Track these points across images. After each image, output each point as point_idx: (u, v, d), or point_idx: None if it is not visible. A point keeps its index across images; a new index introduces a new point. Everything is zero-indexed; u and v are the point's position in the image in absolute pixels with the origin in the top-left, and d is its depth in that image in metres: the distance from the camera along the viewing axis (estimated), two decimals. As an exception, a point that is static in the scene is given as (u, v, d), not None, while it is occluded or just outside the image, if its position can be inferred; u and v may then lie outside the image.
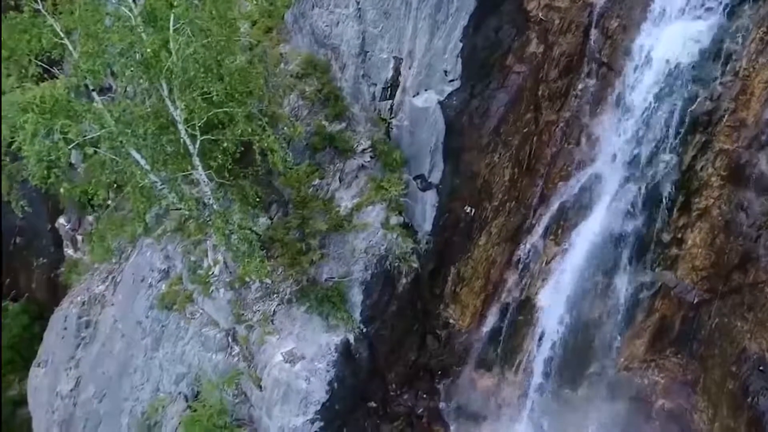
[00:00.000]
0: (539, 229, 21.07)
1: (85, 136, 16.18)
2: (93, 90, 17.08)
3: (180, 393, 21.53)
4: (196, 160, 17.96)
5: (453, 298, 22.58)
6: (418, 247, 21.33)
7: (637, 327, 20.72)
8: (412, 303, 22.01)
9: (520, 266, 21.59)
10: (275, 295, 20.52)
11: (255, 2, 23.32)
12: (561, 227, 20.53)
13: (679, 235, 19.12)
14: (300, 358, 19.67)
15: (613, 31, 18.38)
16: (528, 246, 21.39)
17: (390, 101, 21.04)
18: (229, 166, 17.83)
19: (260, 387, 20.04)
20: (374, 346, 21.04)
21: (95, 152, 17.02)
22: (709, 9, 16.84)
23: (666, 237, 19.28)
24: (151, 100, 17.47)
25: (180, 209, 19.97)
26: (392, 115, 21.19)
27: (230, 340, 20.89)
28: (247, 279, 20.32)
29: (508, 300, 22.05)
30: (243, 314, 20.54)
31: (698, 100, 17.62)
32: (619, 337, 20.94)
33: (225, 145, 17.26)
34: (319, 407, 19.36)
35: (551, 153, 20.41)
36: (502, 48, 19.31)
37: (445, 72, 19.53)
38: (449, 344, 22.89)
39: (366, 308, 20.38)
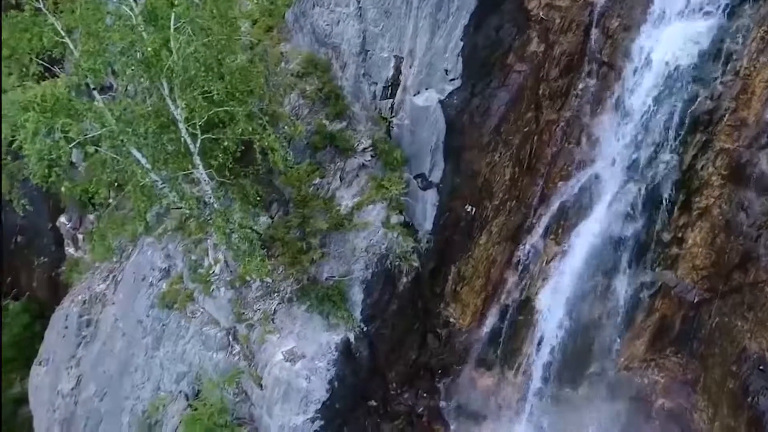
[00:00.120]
0: (540, 229, 21.07)
1: (86, 135, 16.20)
2: (94, 89, 17.11)
3: (181, 392, 21.55)
4: (197, 159, 17.97)
5: (453, 297, 22.59)
6: (418, 246, 21.35)
7: (637, 327, 20.71)
8: (413, 302, 22.02)
9: (521, 266, 21.59)
10: (276, 294, 20.54)
11: (256, 1, 23.33)
12: (561, 227, 20.52)
13: (680, 235, 19.11)
14: (300, 356, 19.69)
15: (614, 31, 18.38)
16: (528, 245, 21.39)
17: (391, 100, 21.05)
18: (230, 165, 17.83)
19: (261, 386, 20.06)
20: (375, 345, 21.06)
21: (96, 151, 17.04)
22: (708, 13, 16.83)
23: (666, 236, 19.28)
24: (152, 99, 17.48)
25: (181, 208, 20.00)
26: (393, 114, 21.20)
27: (231, 339, 20.91)
28: (248, 278, 20.33)
29: (509, 299, 22.04)
30: (244, 313, 20.56)
31: (699, 99, 17.61)
32: (619, 337, 20.92)
33: (226, 144, 17.27)
34: (319, 406, 19.38)
35: (552, 152, 20.40)
36: (502, 47, 19.31)
37: (446, 71, 19.53)
38: (449, 343, 22.89)
39: (366, 307, 20.40)
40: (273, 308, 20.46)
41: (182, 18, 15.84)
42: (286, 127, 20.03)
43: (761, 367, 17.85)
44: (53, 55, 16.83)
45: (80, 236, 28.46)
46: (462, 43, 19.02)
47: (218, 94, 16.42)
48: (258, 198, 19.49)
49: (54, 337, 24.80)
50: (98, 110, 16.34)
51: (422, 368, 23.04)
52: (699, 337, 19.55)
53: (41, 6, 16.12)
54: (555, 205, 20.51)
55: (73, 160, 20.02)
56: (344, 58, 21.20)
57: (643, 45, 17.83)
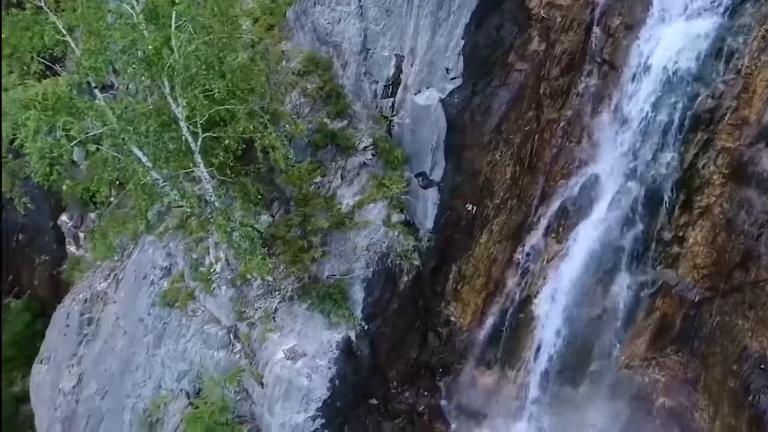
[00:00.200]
0: (540, 228, 21.08)
1: (87, 134, 16.22)
2: (95, 87, 17.12)
3: (182, 390, 21.57)
4: (198, 158, 17.98)
5: (454, 295, 22.60)
6: (419, 245, 21.36)
7: (637, 325, 20.71)
8: (414, 300, 22.03)
9: (521, 264, 21.59)
10: (277, 293, 20.55)
11: (257, -1, 23.37)
12: (562, 225, 20.52)
13: (681, 234, 19.10)
14: (301, 355, 19.70)
15: (615, 29, 18.38)
16: (529, 244, 21.39)
17: (391, 99, 21.05)
18: (231, 164, 17.84)
19: (262, 384, 20.07)
20: (375, 344, 21.07)
21: (97, 149, 17.07)
22: (709, 12, 16.83)
23: (667, 235, 19.27)
24: (153, 98, 17.48)
25: (182, 206, 20.01)
26: (394, 113, 21.21)
27: (232, 338, 20.92)
28: (249, 276, 20.35)
29: (509, 298, 22.04)
30: (244, 311, 20.57)
31: (700, 98, 17.60)
32: (619, 336, 20.91)
33: (227, 142, 17.28)
34: (320, 404, 19.39)
35: (552, 151, 20.41)
36: (503, 46, 19.31)
37: (447, 70, 19.53)
38: (450, 342, 22.90)
39: (367, 305, 20.41)
40: (274, 306, 20.47)
41: (183, 16, 15.84)
42: (287, 125, 20.04)
43: (762, 366, 17.85)
44: (54, 54, 16.86)
45: (81, 235, 28.49)
46: (463, 42, 19.02)
47: (219, 92, 16.42)
48: (259, 196, 19.51)
49: (55, 336, 24.83)
50: (99, 109, 16.35)
51: (423, 367, 23.06)
52: (700, 335, 19.54)
53: (42, 4, 16.14)
54: (556, 204, 20.52)
55: (75, 159, 20.06)
56: (345, 56, 21.20)
57: (643, 49, 17.86)
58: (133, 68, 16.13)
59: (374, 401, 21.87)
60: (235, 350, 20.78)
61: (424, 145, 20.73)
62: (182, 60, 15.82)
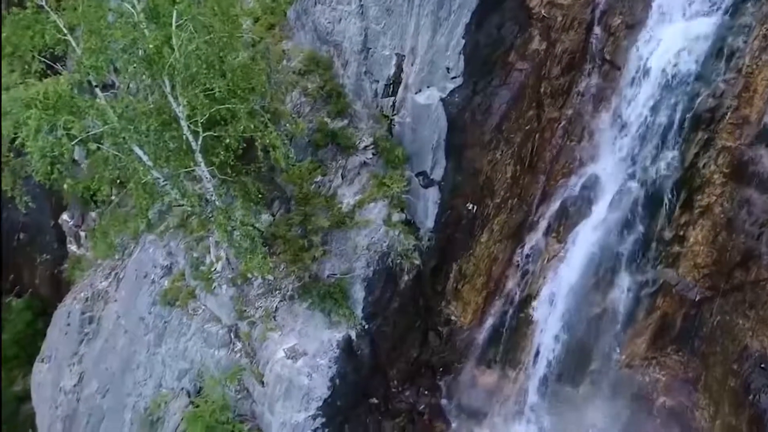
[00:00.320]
0: (541, 227, 21.07)
1: (88, 132, 16.22)
2: (96, 86, 17.14)
3: (182, 389, 21.60)
4: (199, 157, 17.99)
5: (455, 295, 22.60)
6: (420, 244, 21.36)
7: (638, 325, 20.67)
8: (414, 300, 22.03)
9: (522, 264, 21.59)
10: (277, 292, 20.57)
11: (258, -2, 23.37)
12: (563, 224, 20.52)
13: (681, 233, 19.07)
14: (302, 354, 19.72)
15: (616, 29, 18.38)
16: (530, 243, 21.39)
17: (392, 98, 21.06)
18: (232, 163, 17.84)
19: (262, 383, 20.09)
20: (376, 343, 21.08)
21: (98, 148, 17.08)
22: (710, 11, 16.83)
23: (668, 234, 19.24)
24: (154, 97, 17.49)
25: (182, 205, 20.03)
26: (394, 112, 21.21)
27: (232, 337, 20.95)
28: (250, 275, 20.37)
29: (510, 297, 22.03)
30: (245, 310, 20.60)
31: (700, 98, 17.60)
32: (620, 335, 20.89)
33: (227, 141, 17.29)
34: (320, 403, 19.41)
35: (553, 150, 20.40)
36: (504, 45, 19.31)
37: (448, 69, 19.53)
38: (451, 341, 22.90)
39: (368, 305, 20.42)
40: (275, 306, 20.49)
41: (184, 15, 15.86)
42: (287, 124, 20.05)
43: (762, 366, 17.84)
44: (55, 53, 16.88)
45: (82, 233, 28.52)
46: (464, 41, 19.03)
47: (220, 91, 16.43)
48: (260, 195, 19.51)
49: (56, 334, 24.87)
50: (100, 107, 16.36)
51: (423, 366, 23.06)
52: (700, 335, 19.51)
53: (43, 3, 16.16)
54: (556, 203, 20.52)
55: (76, 158, 20.09)
56: (346, 55, 21.21)
57: (642, 52, 17.88)
58: (134, 67, 16.14)
59: (375, 400, 21.89)
60: (235, 349, 20.81)
61: (425, 144, 20.73)
62: (183, 59, 15.83)
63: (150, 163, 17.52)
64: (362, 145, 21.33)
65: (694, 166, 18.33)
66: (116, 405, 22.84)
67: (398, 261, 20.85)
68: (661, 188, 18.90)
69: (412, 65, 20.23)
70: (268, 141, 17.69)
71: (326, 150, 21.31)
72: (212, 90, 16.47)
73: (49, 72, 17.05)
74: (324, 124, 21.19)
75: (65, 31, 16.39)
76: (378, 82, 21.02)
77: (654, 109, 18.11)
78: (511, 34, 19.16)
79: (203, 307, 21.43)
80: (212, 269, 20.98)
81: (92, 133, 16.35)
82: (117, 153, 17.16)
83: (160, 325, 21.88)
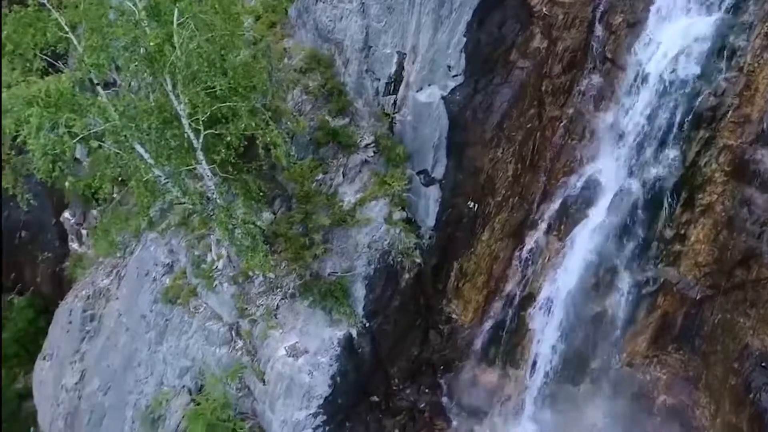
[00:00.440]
0: (542, 225, 21.06)
1: (89, 130, 16.22)
2: (97, 84, 17.12)
3: (184, 386, 21.64)
4: (200, 155, 18.00)
5: (455, 293, 22.60)
6: (420, 243, 21.37)
7: (639, 323, 20.67)
8: (415, 298, 22.05)
9: (523, 262, 21.58)
10: (278, 290, 20.60)
11: (259, -3, 23.36)
12: (564, 223, 20.51)
13: (682, 231, 19.05)
14: (303, 352, 19.75)
15: (617, 27, 18.37)
16: (531, 242, 21.38)
17: (393, 96, 21.05)
18: (233, 161, 17.85)
19: (263, 381, 20.13)
20: (377, 341, 21.10)
21: (100, 146, 17.07)
22: (711, 9, 16.83)
23: (669, 233, 19.22)
24: (155, 95, 17.51)
25: (184, 203, 20.05)
26: (395, 111, 21.21)
27: (234, 334, 20.98)
28: (251, 273, 20.40)
29: (511, 296, 22.03)
30: (246, 308, 20.63)
31: (701, 96, 17.59)
32: (621, 334, 20.89)
33: (228, 139, 17.30)
34: (321, 401, 19.45)
35: (554, 149, 20.39)
36: (505, 43, 19.30)
37: (449, 67, 19.53)
38: (452, 339, 22.91)
39: (369, 303, 20.44)
40: (276, 304, 20.52)
41: (185, 13, 15.86)
42: (288, 122, 20.06)
43: (763, 364, 17.83)
44: (57, 51, 16.86)
45: (84, 231, 28.57)
46: (465, 39, 19.02)
47: (221, 89, 16.42)
48: (261, 194, 19.53)
49: (58, 332, 24.93)
50: (102, 105, 16.36)
51: (424, 364, 23.07)
52: (701, 333, 19.50)
53: (45, 1, 16.16)
54: (558, 202, 20.50)
55: (77, 156, 20.12)
56: (347, 54, 21.20)
57: (641, 57, 17.93)
58: (135, 65, 16.15)
59: (375, 398, 21.92)
60: (236, 347, 20.84)
61: (426, 142, 20.73)
62: (184, 57, 15.83)
63: (151, 161, 17.53)
64: (363, 143, 21.34)
65: (695, 164, 18.32)
66: (118, 402, 22.88)
67: (399, 259, 20.87)
68: (662, 187, 18.89)
69: (413, 63, 20.23)
70: (269, 139, 17.70)
71: (327, 148, 21.32)
72: (213, 88, 16.47)
73: (50, 70, 17.06)
74: (325, 122, 21.20)
75: (67, 29, 16.38)
76: (379, 80, 21.02)
77: (651, 117, 18.24)
78: (512, 32, 19.15)
79: (204, 305, 21.47)
80: (213, 267, 21.01)
81: (94, 131, 16.34)
82: (118, 151, 17.17)
83: (161, 323, 21.92)
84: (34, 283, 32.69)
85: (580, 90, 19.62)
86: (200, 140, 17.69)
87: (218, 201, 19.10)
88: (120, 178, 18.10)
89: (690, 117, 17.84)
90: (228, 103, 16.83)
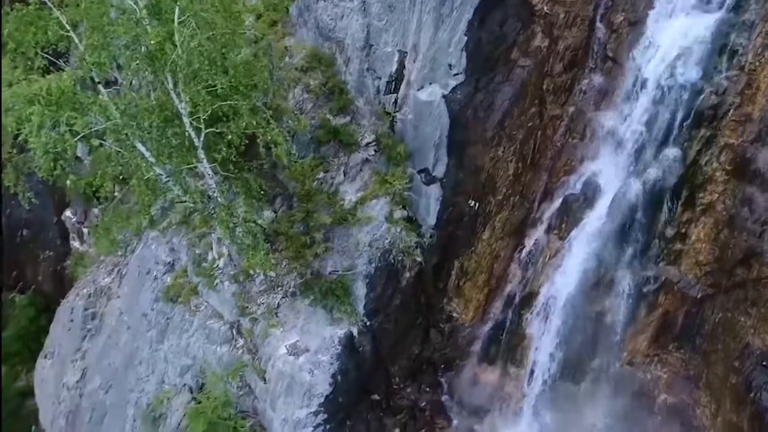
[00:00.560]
0: (543, 224, 21.07)
1: (90, 129, 16.24)
2: (99, 82, 17.16)
3: (185, 385, 21.67)
4: (201, 153, 18.02)
5: (456, 292, 22.61)
6: (421, 241, 21.39)
7: (640, 322, 20.66)
8: (416, 297, 22.06)
9: (524, 261, 21.58)
10: (279, 288, 20.61)
11: (260, -5, 23.36)
12: (565, 222, 20.50)
13: (683, 230, 19.05)
14: (304, 350, 19.77)
15: (618, 25, 18.37)
16: (532, 241, 21.38)
17: (394, 95, 21.05)
18: (234, 159, 17.87)
19: (264, 379, 20.15)
20: (378, 340, 21.11)
21: (101, 145, 17.10)
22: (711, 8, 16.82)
23: (670, 232, 19.23)
24: (156, 93, 17.52)
25: (185, 202, 20.07)
26: (396, 109, 21.21)
27: (235, 333, 21.00)
28: (252, 272, 20.41)
29: (512, 295, 22.03)
30: (247, 307, 20.65)
31: (702, 95, 17.58)
32: (621, 333, 20.89)
33: (229, 137, 17.31)
34: (322, 400, 19.47)
35: (555, 147, 20.39)
36: (506, 42, 19.30)
37: (450, 66, 19.53)
38: (452, 338, 22.92)
39: (370, 301, 20.46)
40: (277, 302, 20.53)
41: (186, 12, 15.87)
42: (289, 121, 20.07)
43: (764, 363, 17.82)
44: (58, 49, 16.89)
45: (85, 230, 28.58)
46: (466, 38, 19.03)
47: (222, 88, 16.45)
48: (262, 192, 19.54)
49: (59, 331, 24.96)
50: (103, 104, 16.38)
51: (425, 363, 23.09)
52: (702, 332, 19.50)
53: (46, 0, 16.17)
54: (559, 200, 20.51)
55: (78, 154, 20.12)
56: (348, 52, 21.20)
57: (640, 62, 17.95)
58: (137, 64, 16.18)
59: (376, 397, 21.93)
60: (237, 345, 20.86)
61: (427, 141, 20.73)
62: (185, 56, 15.86)
63: (152, 160, 17.55)
64: (364, 141, 21.34)
65: (696, 163, 18.32)
66: (119, 401, 22.92)
67: (400, 258, 20.88)
68: (663, 186, 18.88)
69: (414, 62, 20.22)
70: (270, 138, 17.71)
71: (328, 147, 21.33)
72: (214, 86, 16.49)
73: (51, 68, 17.09)
74: (326, 120, 21.21)
75: (68, 28, 16.42)
76: (380, 78, 21.02)
77: (649, 124, 18.30)
78: (513, 31, 19.15)
79: (205, 303, 21.49)
80: (214, 266, 21.02)
81: (95, 129, 16.36)
82: (119, 149, 17.19)
83: (162, 322, 21.95)
84: (35, 282, 32.72)
85: (581, 89, 19.62)
86: (201, 139, 17.70)
87: (219, 199, 19.12)
88: (121, 177, 18.14)
89: (691, 116, 17.83)
90: (229, 102, 16.84)
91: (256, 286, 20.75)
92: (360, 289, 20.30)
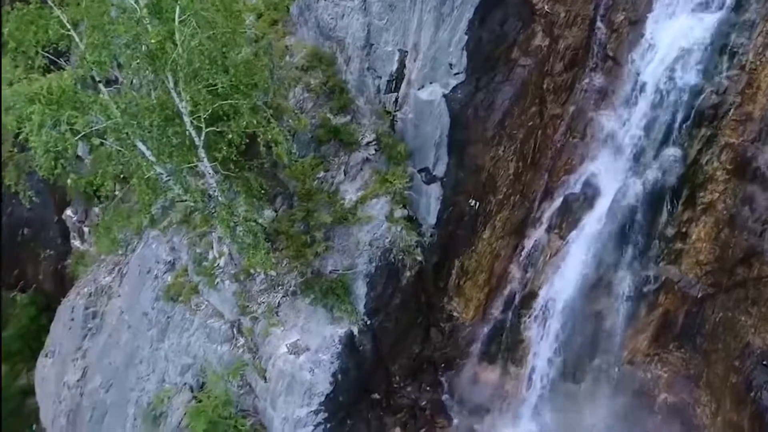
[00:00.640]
0: (543, 223, 21.07)
1: (91, 128, 16.25)
2: (99, 81, 17.17)
3: (185, 384, 21.69)
4: (202, 152, 18.03)
5: (457, 291, 22.62)
6: (422, 240, 21.40)
7: (640, 321, 20.68)
8: (416, 296, 22.07)
9: (524, 260, 21.59)
10: (280, 287, 20.63)
11: (260, -6, 23.35)
12: (565, 221, 20.51)
13: (684, 230, 19.07)
14: (304, 349, 19.79)
15: (619, 25, 18.36)
16: (532, 240, 21.38)
17: (395, 94, 21.05)
18: (234, 158, 17.88)
19: (265, 378, 20.16)
20: (378, 339, 21.12)
21: (101, 144, 17.12)
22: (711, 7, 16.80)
23: (670, 231, 19.23)
24: (157, 92, 17.53)
25: (185, 201, 20.09)
26: (397, 108, 21.21)
27: (235, 332, 21.02)
28: (252, 271, 20.42)
29: (512, 294, 22.05)
30: (248, 306, 20.66)
31: (703, 95, 17.58)
32: (622, 332, 20.89)
33: (230, 137, 17.32)
34: (323, 398, 19.48)
35: (556, 147, 20.39)
36: (507, 41, 19.29)
37: (450, 65, 19.53)
38: (453, 337, 22.93)
39: (370, 301, 20.47)
40: (277, 301, 20.55)
41: (187, 11, 15.87)
42: (290, 120, 20.07)
43: (764, 363, 17.84)
44: (59, 48, 16.90)
45: (86, 229, 28.58)
46: (466, 37, 19.02)
47: (223, 87, 16.46)
48: (262, 191, 19.55)
49: (60, 329, 24.97)
50: (103, 103, 16.39)
51: (425, 362, 23.10)
52: (702, 332, 19.51)
53: (47, -1, 16.23)
54: (559, 200, 20.51)
55: (79, 153, 20.13)
56: (349, 51, 21.20)
57: (639, 65, 17.96)
58: (137, 63, 16.18)
59: (376, 396, 21.95)
60: (238, 344, 20.88)
61: (427, 140, 20.73)
62: (186, 55, 15.86)
63: (153, 159, 17.57)
64: (365, 141, 21.35)
65: (696, 162, 18.32)
66: (119, 400, 22.94)
67: (400, 257, 20.89)
68: (664, 185, 18.88)
69: (414, 61, 20.22)
70: (270, 137, 17.72)
71: (329, 146, 21.33)
72: (215, 86, 16.50)
73: (52, 67, 17.09)
74: (327, 120, 21.21)
75: (68, 27, 16.43)
76: (381, 78, 21.02)
77: (648, 128, 18.31)
78: (513, 30, 19.14)
79: (206, 302, 21.50)
80: (215, 265, 21.04)
81: (95, 128, 16.37)
82: (120, 148, 17.21)
83: (163, 321, 21.96)
84: (36, 281, 32.74)
85: (582, 88, 19.61)
86: (202, 138, 17.71)
87: (220, 198, 19.13)
88: (122, 176, 18.14)
89: (691, 116, 17.83)
90: (229, 101, 16.86)
91: (257, 285, 20.76)
92: (360, 288, 20.31)
